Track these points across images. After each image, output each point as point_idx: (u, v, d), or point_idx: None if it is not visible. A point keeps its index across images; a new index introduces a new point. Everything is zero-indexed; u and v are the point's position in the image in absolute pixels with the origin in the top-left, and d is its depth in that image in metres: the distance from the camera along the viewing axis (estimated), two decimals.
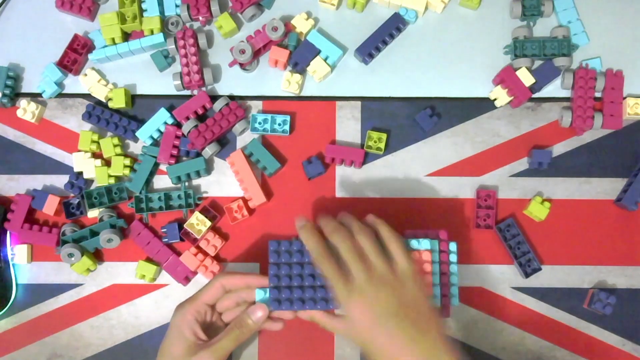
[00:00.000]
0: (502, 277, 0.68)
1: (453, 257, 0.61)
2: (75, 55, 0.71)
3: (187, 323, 0.59)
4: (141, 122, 0.70)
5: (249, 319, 0.59)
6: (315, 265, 0.58)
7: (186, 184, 0.70)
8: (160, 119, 0.70)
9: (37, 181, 0.70)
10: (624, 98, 0.69)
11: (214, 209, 0.69)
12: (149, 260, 0.69)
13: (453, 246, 0.61)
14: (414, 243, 0.59)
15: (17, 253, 0.69)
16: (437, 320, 0.56)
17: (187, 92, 0.71)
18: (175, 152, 0.69)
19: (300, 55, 0.70)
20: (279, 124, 0.69)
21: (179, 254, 0.68)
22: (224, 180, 0.70)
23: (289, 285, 0.59)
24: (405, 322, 0.54)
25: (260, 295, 0.59)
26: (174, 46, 0.70)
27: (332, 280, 0.56)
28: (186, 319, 0.59)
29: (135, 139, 0.70)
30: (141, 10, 0.72)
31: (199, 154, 0.70)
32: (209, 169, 0.70)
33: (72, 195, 0.70)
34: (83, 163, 0.69)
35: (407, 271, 0.56)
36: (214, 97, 0.70)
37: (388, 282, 0.55)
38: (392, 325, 0.54)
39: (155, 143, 0.70)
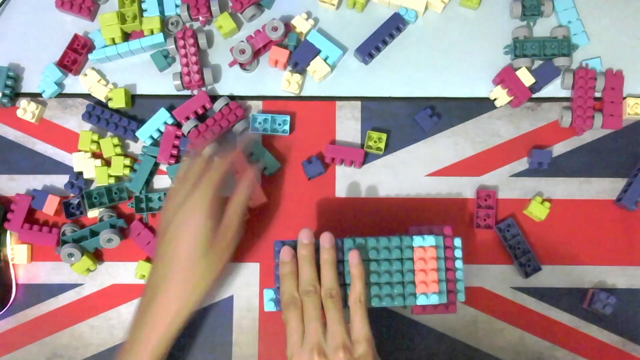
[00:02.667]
0: (502, 277, 0.68)
1: (458, 253, 0.61)
2: (75, 55, 0.71)
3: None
4: (141, 122, 0.70)
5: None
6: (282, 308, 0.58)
7: None
8: (160, 119, 0.70)
9: (37, 181, 0.70)
10: (624, 98, 0.69)
11: None
12: (149, 260, 0.69)
13: (458, 242, 0.61)
14: (418, 240, 0.59)
15: (17, 253, 0.69)
16: None
17: (187, 92, 0.71)
18: (175, 152, 0.69)
19: (300, 55, 0.70)
20: (279, 124, 0.69)
21: None
22: None
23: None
24: None
25: (270, 295, 0.60)
26: (174, 46, 0.70)
27: (287, 333, 0.56)
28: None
29: (135, 139, 0.70)
30: (141, 10, 0.72)
31: None
32: None
33: (72, 195, 0.70)
34: (83, 163, 0.69)
35: (359, 339, 0.55)
36: (214, 97, 0.70)
37: (335, 354, 0.54)
38: None
39: (155, 143, 0.70)
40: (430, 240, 0.59)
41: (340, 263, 0.59)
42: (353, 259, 0.58)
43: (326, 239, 0.59)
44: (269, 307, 0.59)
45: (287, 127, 0.69)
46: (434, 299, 0.58)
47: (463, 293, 0.60)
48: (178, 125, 0.70)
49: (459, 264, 0.61)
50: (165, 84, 0.72)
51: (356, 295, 0.57)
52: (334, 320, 0.56)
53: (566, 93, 0.71)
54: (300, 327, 0.56)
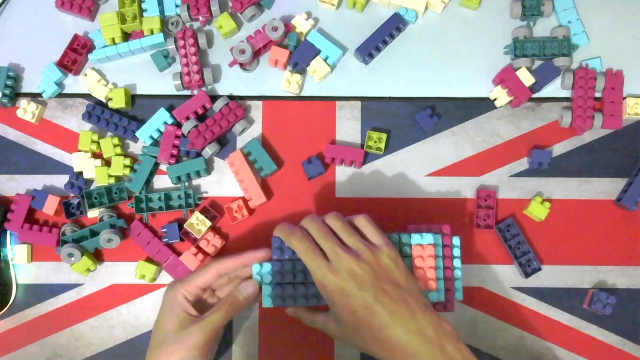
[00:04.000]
0: (502, 277, 0.68)
1: (456, 252, 0.61)
2: (75, 55, 0.71)
3: (178, 302, 0.59)
4: (141, 122, 0.70)
5: (240, 295, 0.59)
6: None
7: (186, 184, 0.70)
8: (160, 119, 0.70)
9: (37, 181, 0.70)
10: (624, 98, 0.69)
11: (214, 209, 0.69)
12: (149, 260, 0.69)
13: (456, 240, 0.61)
14: (417, 237, 0.59)
15: (17, 253, 0.69)
16: (416, 289, 0.56)
17: (187, 92, 0.71)
18: (175, 152, 0.69)
19: (300, 55, 0.70)
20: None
21: (179, 254, 0.68)
22: (224, 180, 0.70)
23: (292, 282, 0.59)
24: (384, 295, 0.54)
25: (257, 269, 0.60)
26: (174, 46, 0.70)
27: (307, 259, 0.56)
28: (177, 298, 0.60)
29: (135, 139, 0.70)
30: (141, 10, 0.72)
31: (199, 154, 0.70)
32: (209, 169, 0.70)
33: (72, 195, 0.70)
34: (83, 163, 0.69)
35: (379, 244, 0.57)
36: (214, 97, 0.70)
37: (361, 256, 0.55)
38: (370, 299, 0.54)
39: (155, 143, 0.70)
40: (428, 238, 0.59)
41: None
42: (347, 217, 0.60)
43: None
44: (267, 303, 0.59)
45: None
46: (431, 297, 0.58)
47: (461, 292, 0.60)
48: (178, 125, 0.70)
49: (457, 262, 0.61)
50: (165, 84, 0.72)
51: (362, 219, 0.58)
52: (345, 233, 0.57)
53: (566, 93, 0.71)
54: (314, 247, 0.56)
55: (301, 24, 0.71)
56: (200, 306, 0.61)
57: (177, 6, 0.72)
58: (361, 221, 0.59)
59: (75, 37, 0.71)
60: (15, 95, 0.72)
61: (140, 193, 0.69)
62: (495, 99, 0.70)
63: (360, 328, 0.54)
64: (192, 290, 0.60)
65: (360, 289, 0.54)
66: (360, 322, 0.54)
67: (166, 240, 0.68)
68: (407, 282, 0.56)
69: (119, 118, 0.70)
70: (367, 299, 0.54)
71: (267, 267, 0.60)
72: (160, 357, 0.58)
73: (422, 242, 0.59)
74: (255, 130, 0.71)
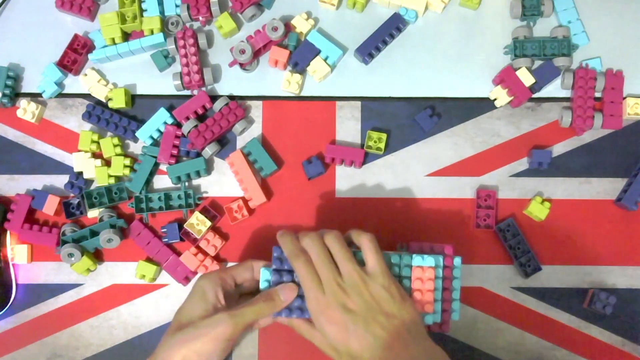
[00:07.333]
0: (502, 277, 0.68)
1: (457, 273, 0.60)
2: (75, 55, 0.71)
3: (212, 285, 0.58)
4: (141, 122, 0.70)
5: (277, 296, 0.58)
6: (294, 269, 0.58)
7: (186, 184, 0.70)
8: (160, 119, 0.70)
9: (37, 181, 0.70)
10: (624, 98, 0.69)
11: (214, 209, 0.69)
12: (149, 260, 0.69)
13: (457, 261, 0.61)
14: (418, 259, 0.59)
15: (17, 253, 0.69)
16: (410, 317, 0.56)
17: (187, 92, 0.71)
18: (175, 152, 0.69)
19: (300, 55, 0.70)
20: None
21: (179, 254, 0.68)
22: (224, 180, 0.70)
23: None
24: (376, 328, 0.54)
25: (266, 276, 0.59)
26: (174, 46, 0.70)
27: (305, 286, 0.56)
28: (212, 281, 0.59)
29: (135, 139, 0.70)
30: (141, 10, 0.72)
31: (199, 154, 0.70)
32: (209, 169, 0.70)
33: (72, 195, 0.70)
34: (83, 163, 0.69)
35: (374, 271, 0.56)
36: (214, 97, 0.70)
37: (354, 288, 0.55)
38: (362, 332, 0.54)
39: (155, 143, 0.70)
40: (429, 260, 0.58)
41: None
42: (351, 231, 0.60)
43: None
44: (264, 287, 0.59)
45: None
46: (427, 320, 0.58)
47: (458, 312, 0.60)
48: (178, 125, 0.70)
49: (456, 283, 0.60)
50: (165, 84, 0.72)
51: (365, 238, 0.57)
52: (342, 258, 0.56)
53: (566, 93, 0.71)
54: (314, 274, 0.56)
55: (301, 24, 0.71)
56: (229, 303, 0.59)
57: (177, 6, 0.72)
58: (363, 241, 0.58)
59: (75, 37, 0.71)
60: (15, 95, 0.72)
61: (140, 193, 0.69)
62: (495, 99, 0.70)
63: (355, 358, 0.54)
64: (228, 279, 0.60)
65: (353, 322, 0.54)
66: (353, 353, 0.54)
67: (166, 240, 0.68)
68: (401, 311, 0.55)
69: (119, 118, 0.70)
70: (359, 332, 0.54)
71: (266, 274, 0.60)
72: (184, 341, 0.56)
73: (422, 264, 0.59)
74: (255, 130, 0.71)
